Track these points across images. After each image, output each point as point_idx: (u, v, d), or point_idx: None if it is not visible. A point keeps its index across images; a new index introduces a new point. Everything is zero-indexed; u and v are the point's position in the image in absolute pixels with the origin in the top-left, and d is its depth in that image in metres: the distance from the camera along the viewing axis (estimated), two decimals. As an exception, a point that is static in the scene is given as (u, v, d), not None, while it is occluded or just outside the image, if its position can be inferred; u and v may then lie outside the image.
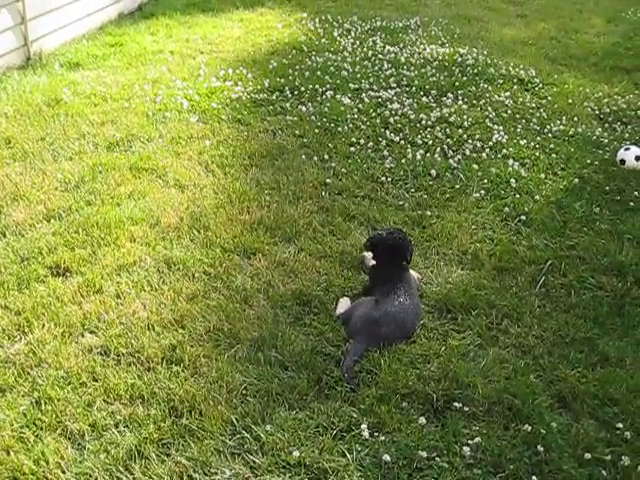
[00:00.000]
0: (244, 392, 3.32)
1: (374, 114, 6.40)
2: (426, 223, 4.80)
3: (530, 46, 8.95)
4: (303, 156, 5.59)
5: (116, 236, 4.39)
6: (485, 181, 5.37)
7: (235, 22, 9.08)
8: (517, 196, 5.20)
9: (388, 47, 8.21)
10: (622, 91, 7.36)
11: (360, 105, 6.56)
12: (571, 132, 6.33)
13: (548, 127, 6.38)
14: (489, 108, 6.69)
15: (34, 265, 4.09)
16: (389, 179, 5.35)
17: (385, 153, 5.72)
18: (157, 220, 4.60)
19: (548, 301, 4.12)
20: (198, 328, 3.70)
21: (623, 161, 5.70)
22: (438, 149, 5.83)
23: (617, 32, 9.84)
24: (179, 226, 4.55)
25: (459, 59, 7.92)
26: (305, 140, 5.84)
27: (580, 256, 4.54)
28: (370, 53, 7.97)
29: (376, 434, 3.15)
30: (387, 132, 6.06)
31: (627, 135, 6.38)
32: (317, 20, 9.23)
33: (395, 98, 6.75)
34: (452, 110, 6.55)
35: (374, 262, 4.15)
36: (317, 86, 6.89)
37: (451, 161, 5.65)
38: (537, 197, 5.21)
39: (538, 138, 6.17)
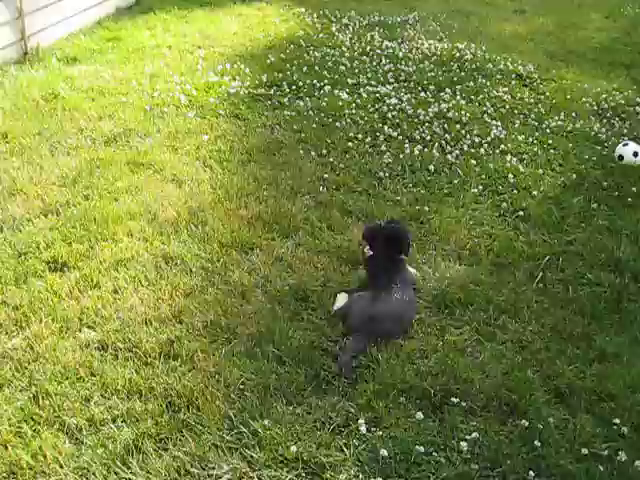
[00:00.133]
0: (242, 387, 3.31)
1: (372, 109, 6.39)
2: (424, 218, 4.79)
3: (528, 41, 8.93)
4: (301, 151, 5.58)
5: (113, 231, 4.39)
6: (483, 176, 5.37)
7: (233, 17, 9.06)
8: (515, 192, 5.20)
9: (386, 42, 8.20)
10: (620, 87, 7.35)
11: (358, 100, 6.55)
12: (569, 128, 6.33)
13: (546, 123, 6.38)
14: (487, 103, 6.69)
15: (31, 260, 4.09)
16: (387, 174, 5.34)
17: (383, 148, 5.72)
18: (155, 215, 4.59)
19: (546, 297, 4.12)
20: (195, 323, 3.69)
21: (621, 157, 5.70)
22: (436, 144, 5.83)
23: (616, 28, 9.82)
24: (177, 221, 4.54)
25: (457, 54, 7.92)
26: (303, 135, 5.83)
27: (578, 252, 4.54)
28: (368, 48, 7.96)
29: (374, 429, 3.15)
30: (385, 127, 6.05)
31: (625, 131, 6.38)
32: (315, 15, 9.21)
33: (393, 93, 6.74)
34: (450, 105, 6.54)
35: (371, 253, 4.14)
36: (315, 81, 6.88)
37: (449, 156, 5.64)
38: (535, 193, 5.21)
39: (536, 133, 6.17)
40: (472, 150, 5.78)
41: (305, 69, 7.17)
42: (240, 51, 7.70)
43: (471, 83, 7.15)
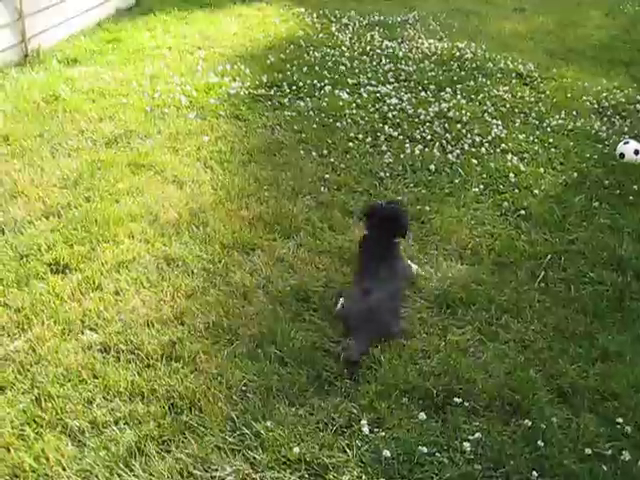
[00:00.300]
0: (244, 388, 3.31)
1: (372, 109, 6.39)
2: (425, 218, 4.79)
3: (528, 40, 8.94)
4: (302, 151, 5.58)
5: (115, 233, 4.38)
6: (484, 176, 5.37)
7: (233, 17, 9.06)
8: (516, 191, 5.20)
9: (386, 42, 8.20)
10: (621, 85, 7.35)
11: (358, 100, 6.54)
12: (570, 126, 6.32)
13: (547, 121, 6.37)
14: (488, 103, 6.69)
15: (33, 262, 4.08)
16: (388, 174, 5.34)
17: (384, 148, 5.72)
18: (156, 216, 4.59)
19: (548, 296, 4.12)
20: (197, 324, 3.69)
21: (622, 155, 5.69)
22: (437, 144, 5.82)
23: (615, 25, 9.83)
24: (178, 222, 4.54)
25: (457, 53, 7.92)
26: (303, 135, 5.83)
27: (580, 250, 4.54)
28: (368, 48, 7.96)
29: (376, 430, 3.14)
30: (386, 127, 6.05)
31: (626, 129, 6.38)
32: (315, 15, 9.21)
33: (393, 93, 6.74)
34: (451, 105, 6.54)
35: (366, 232, 4.13)
36: (315, 81, 6.88)
37: (450, 156, 5.64)
38: (536, 192, 5.21)
39: (537, 132, 6.17)
40: (473, 149, 5.77)
41: (305, 69, 7.17)
42: (240, 52, 7.70)
43: (471, 82, 7.15)
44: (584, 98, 6.95)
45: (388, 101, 6.53)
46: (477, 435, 3.12)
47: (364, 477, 2.93)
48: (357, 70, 7.28)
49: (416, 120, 6.22)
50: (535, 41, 8.90)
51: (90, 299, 3.83)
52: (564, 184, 5.39)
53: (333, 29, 8.65)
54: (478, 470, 2.98)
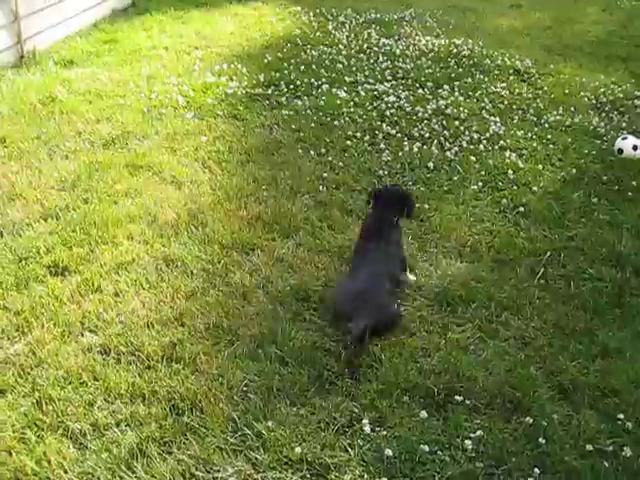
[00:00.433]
0: (245, 389, 3.31)
1: (370, 107, 6.38)
2: (424, 216, 4.79)
3: (525, 36, 8.94)
4: (300, 150, 5.58)
5: (114, 234, 4.38)
6: (482, 173, 5.37)
7: (229, 17, 9.05)
8: (515, 188, 5.19)
9: (383, 39, 8.20)
10: (618, 80, 7.35)
11: (356, 98, 6.54)
12: (568, 122, 6.32)
13: (545, 118, 6.38)
14: (485, 99, 6.68)
15: (32, 265, 4.08)
16: (386, 172, 5.34)
17: (382, 146, 5.71)
18: (154, 217, 4.58)
19: (547, 292, 4.12)
20: (197, 325, 3.69)
21: (621, 150, 5.69)
22: (435, 141, 5.82)
23: (612, 21, 9.83)
24: (176, 223, 4.53)
25: (454, 50, 7.92)
26: (301, 134, 5.83)
27: (579, 247, 4.54)
28: (365, 46, 7.96)
29: (378, 429, 3.14)
30: (383, 125, 6.04)
31: (624, 124, 6.38)
32: (311, 13, 9.20)
33: (391, 91, 6.74)
34: (448, 102, 6.53)
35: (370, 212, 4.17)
36: (312, 80, 6.87)
37: (448, 153, 5.64)
38: (535, 188, 5.21)
39: (535, 129, 6.17)
40: (471, 147, 5.77)
41: (302, 68, 7.16)
42: (237, 51, 7.69)
43: (469, 79, 7.15)
44: (582, 94, 6.95)
45: (386, 99, 6.53)
46: (478, 433, 3.12)
47: (366, 476, 2.93)
48: (354, 68, 7.27)
49: (414, 118, 6.22)
50: (532, 37, 8.90)
51: (90, 301, 3.83)
52: (563, 180, 5.39)
53: (330, 27, 8.64)
54: (480, 468, 2.98)
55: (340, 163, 5.41)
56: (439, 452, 3.04)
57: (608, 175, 5.40)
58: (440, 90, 6.81)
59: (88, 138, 5.61)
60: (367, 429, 3.12)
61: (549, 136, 6.04)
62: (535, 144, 5.89)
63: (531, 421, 3.19)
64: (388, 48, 7.91)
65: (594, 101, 6.84)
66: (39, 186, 4.88)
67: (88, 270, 4.05)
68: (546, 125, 6.25)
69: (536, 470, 2.97)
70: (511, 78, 7.27)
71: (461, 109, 6.39)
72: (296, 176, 5.18)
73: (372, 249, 3.91)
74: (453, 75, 7.19)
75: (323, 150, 5.58)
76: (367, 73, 7.15)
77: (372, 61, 7.51)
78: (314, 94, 6.62)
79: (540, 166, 5.53)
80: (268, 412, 3.18)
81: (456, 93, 6.75)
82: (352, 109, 6.30)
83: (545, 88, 7.06)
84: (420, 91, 6.78)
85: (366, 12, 9.32)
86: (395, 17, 9.24)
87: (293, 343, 3.57)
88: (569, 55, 8.20)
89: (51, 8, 7.61)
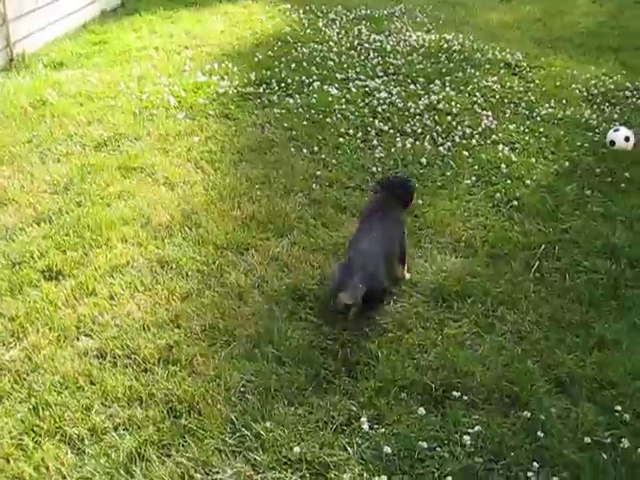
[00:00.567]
0: (242, 389, 3.31)
1: (362, 104, 6.37)
2: (418, 212, 4.78)
3: (516, 29, 8.94)
4: (292, 149, 5.57)
5: (107, 237, 4.36)
6: (476, 167, 5.37)
7: (219, 15, 9.01)
8: (508, 181, 5.19)
9: (374, 35, 8.18)
10: (609, 71, 7.35)
11: (348, 95, 6.53)
12: (560, 115, 6.33)
13: (537, 111, 6.38)
14: (477, 94, 6.68)
15: (26, 270, 4.06)
16: (379, 169, 5.33)
17: (374, 143, 5.71)
18: (148, 219, 4.56)
19: (543, 286, 4.12)
20: (193, 327, 3.68)
21: (613, 142, 5.70)
22: (427, 137, 5.82)
23: (602, 12, 9.84)
24: (170, 224, 4.52)
25: (445, 45, 7.91)
26: (294, 133, 5.81)
27: (573, 239, 4.54)
28: (356, 42, 7.94)
29: (376, 427, 3.14)
30: (376, 121, 6.03)
31: (616, 116, 6.38)
32: (301, 11, 9.18)
33: (383, 87, 6.73)
34: (440, 97, 6.53)
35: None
36: (304, 77, 6.86)
37: (441, 148, 5.64)
38: (528, 182, 5.21)
39: (527, 122, 6.17)
40: (464, 141, 5.77)
41: (293, 66, 7.14)
42: (227, 50, 7.66)
43: (460, 74, 7.14)
44: (573, 86, 6.95)
45: (377, 95, 6.52)
46: (477, 428, 3.13)
47: (365, 474, 2.93)
48: (345, 65, 7.26)
49: (406, 113, 6.22)
50: (522, 30, 8.90)
51: (84, 305, 3.81)
52: (556, 173, 5.40)
53: (320, 24, 8.61)
54: (479, 463, 2.99)
55: (333, 160, 5.41)
56: (438, 448, 3.04)
57: (601, 167, 5.41)
58: (432, 85, 6.81)
59: (80, 141, 5.58)
60: (365, 427, 3.12)
61: (541, 129, 6.04)
62: (527, 137, 5.89)
63: (529, 415, 3.20)
64: (379, 44, 7.89)
65: (585, 93, 6.84)
66: (31, 190, 4.86)
67: (82, 274, 4.04)
68: (538, 118, 6.25)
69: (535, 464, 2.98)
70: (502, 72, 7.27)
71: (453, 104, 6.39)
72: (289, 175, 5.17)
73: (376, 228, 3.94)
74: (444, 70, 7.18)
75: (316, 148, 5.57)
76: (358, 70, 7.13)
77: (363, 57, 7.50)
78: (305, 92, 6.60)
79: (533, 159, 5.53)
80: (266, 412, 3.18)
81: (447, 88, 6.74)
82: (344, 106, 6.29)
83: (536, 81, 7.06)
84: (412, 87, 6.78)
85: (356, 8, 9.30)
86: (385, 13, 9.22)
87: (290, 342, 3.57)
88: (559, 47, 8.21)
89: (40, 11, 7.57)
